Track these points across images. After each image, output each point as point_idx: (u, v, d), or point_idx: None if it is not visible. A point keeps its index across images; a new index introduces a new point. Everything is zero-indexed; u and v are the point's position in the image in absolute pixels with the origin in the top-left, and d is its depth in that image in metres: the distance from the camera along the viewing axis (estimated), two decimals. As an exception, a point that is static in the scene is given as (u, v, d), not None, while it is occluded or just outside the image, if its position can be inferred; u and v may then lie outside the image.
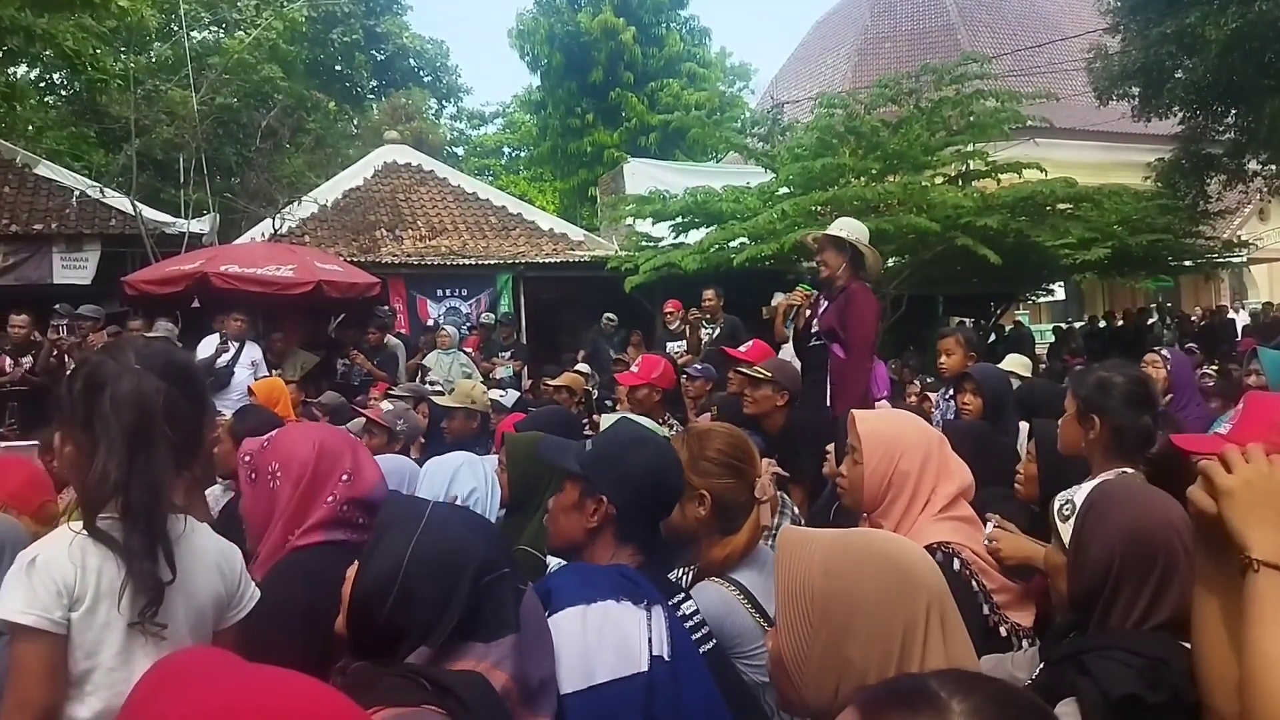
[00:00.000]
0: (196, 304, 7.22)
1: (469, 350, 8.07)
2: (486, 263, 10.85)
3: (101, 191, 9.50)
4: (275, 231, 9.79)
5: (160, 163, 11.18)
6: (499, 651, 1.06)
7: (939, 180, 9.04)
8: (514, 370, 8.28)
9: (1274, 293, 18.34)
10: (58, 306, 6.31)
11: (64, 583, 1.24)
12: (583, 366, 6.45)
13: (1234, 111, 9.68)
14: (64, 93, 15.68)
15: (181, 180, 9.90)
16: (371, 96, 24.85)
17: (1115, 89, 10.04)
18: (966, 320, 10.51)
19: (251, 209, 10.52)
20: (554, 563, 1.77)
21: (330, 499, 1.54)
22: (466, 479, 2.22)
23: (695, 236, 9.80)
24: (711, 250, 8.97)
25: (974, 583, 1.63)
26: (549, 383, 5.70)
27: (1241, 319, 14.91)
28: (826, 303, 3.98)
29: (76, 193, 9.47)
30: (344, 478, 1.56)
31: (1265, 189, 11.21)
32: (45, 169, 9.93)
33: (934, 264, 8.79)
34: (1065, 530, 1.28)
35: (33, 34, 10.42)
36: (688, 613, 1.43)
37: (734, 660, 1.53)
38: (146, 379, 1.32)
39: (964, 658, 1.03)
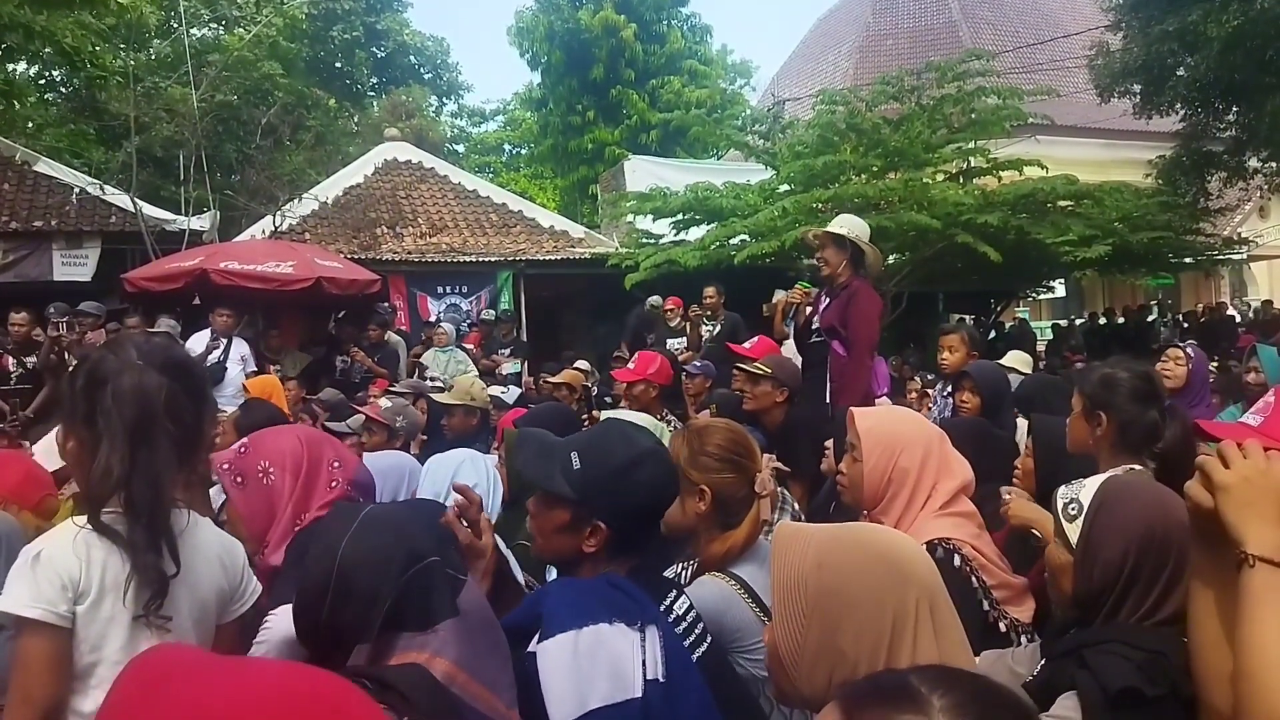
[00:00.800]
0: (196, 301, 7.22)
1: (469, 347, 8.07)
2: (487, 260, 10.85)
3: (101, 189, 9.49)
4: (275, 229, 9.78)
5: (160, 160, 11.17)
6: (437, 640, 1.07)
7: (940, 177, 9.03)
8: (520, 367, 8.26)
9: (1274, 290, 18.32)
10: (51, 308, 6.26)
11: (68, 576, 1.25)
12: (582, 364, 6.44)
13: (1235, 109, 9.67)
14: (64, 90, 15.68)
15: (181, 177, 9.89)
16: (372, 94, 24.82)
17: (1116, 86, 10.04)
18: (966, 317, 10.52)
19: (252, 206, 10.51)
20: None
21: (333, 483, 1.62)
22: (469, 475, 2.23)
23: (696, 233, 9.79)
24: (712, 247, 8.97)
25: (974, 579, 1.63)
26: (548, 379, 5.70)
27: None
28: (828, 300, 3.98)
29: (76, 190, 9.46)
30: (334, 464, 1.64)
31: (1265, 186, 11.20)
32: (45, 166, 9.92)
33: (934, 261, 8.79)
34: (1071, 530, 1.27)
35: (32, 31, 10.40)
36: (681, 612, 1.41)
37: (735, 655, 1.53)
38: (148, 374, 1.33)
39: (957, 652, 1.03)
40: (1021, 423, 3.00)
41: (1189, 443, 1.88)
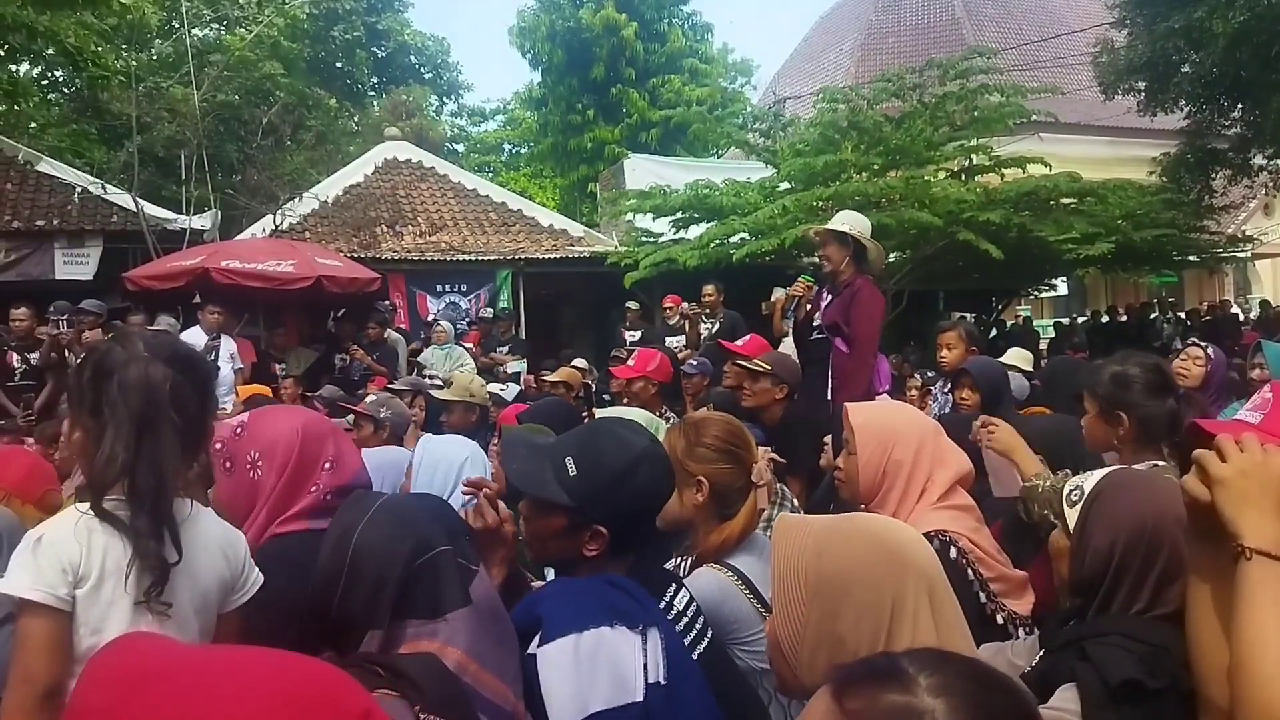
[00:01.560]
0: (197, 299, 7.24)
1: (469, 345, 8.07)
2: (486, 258, 10.86)
3: (103, 188, 9.52)
4: (276, 228, 9.80)
5: (161, 160, 11.20)
6: (448, 629, 1.08)
7: (942, 175, 9.01)
8: (523, 366, 8.25)
9: (1278, 288, 18.27)
10: (52, 307, 6.30)
11: (69, 560, 1.27)
12: (579, 361, 6.43)
13: (1240, 106, 9.64)
14: (65, 90, 15.70)
15: (183, 177, 9.92)
16: (372, 93, 24.85)
17: (1121, 83, 10.00)
18: (967, 315, 10.49)
19: (253, 205, 10.53)
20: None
21: (314, 488, 1.54)
22: (474, 473, 2.21)
23: (695, 232, 9.78)
24: (712, 246, 8.95)
25: (970, 571, 1.63)
26: (546, 378, 5.70)
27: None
28: (830, 297, 3.97)
29: (78, 189, 9.49)
30: (327, 465, 1.56)
31: (1270, 184, 11.16)
32: (47, 166, 9.95)
33: (935, 259, 8.77)
34: (1072, 516, 1.29)
35: (34, 31, 10.43)
36: (681, 607, 1.41)
37: (732, 647, 1.53)
38: (154, 366, 1.35)
39: (956, 638, 1.03)
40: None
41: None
